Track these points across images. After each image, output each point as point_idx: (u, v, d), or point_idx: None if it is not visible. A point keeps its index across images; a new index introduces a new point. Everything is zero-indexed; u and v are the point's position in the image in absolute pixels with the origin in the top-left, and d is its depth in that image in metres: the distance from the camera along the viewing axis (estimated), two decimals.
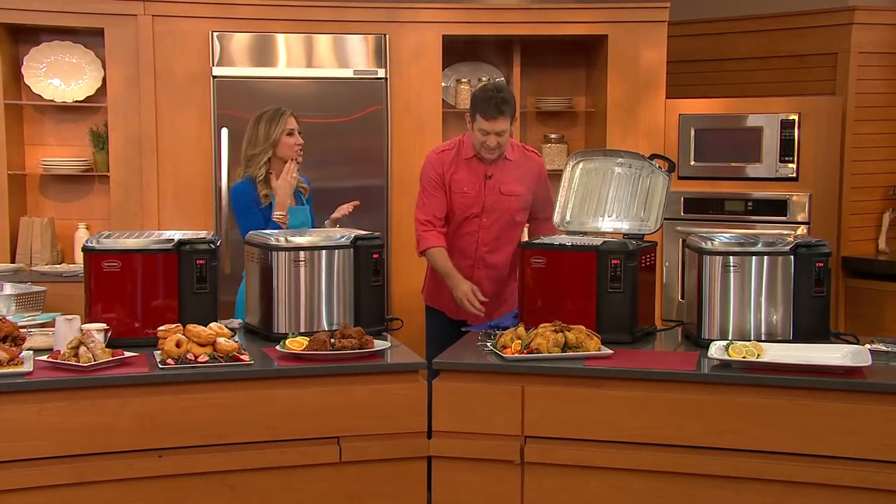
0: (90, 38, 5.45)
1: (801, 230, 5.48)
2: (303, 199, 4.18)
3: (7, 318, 3.46)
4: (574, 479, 3.13)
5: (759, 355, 3.10)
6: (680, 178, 5.65)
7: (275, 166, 4.08)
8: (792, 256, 3.36)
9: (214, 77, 5.28)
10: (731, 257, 3.37)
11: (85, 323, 3.29)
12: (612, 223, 3.83)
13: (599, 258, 3.43)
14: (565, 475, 3.14)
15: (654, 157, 3.86)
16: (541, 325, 3.29)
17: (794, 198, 5.55)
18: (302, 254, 3.49)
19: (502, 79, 5.95)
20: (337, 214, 4.19)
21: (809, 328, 3.35)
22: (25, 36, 5.47)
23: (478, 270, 4.14)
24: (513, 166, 4.13)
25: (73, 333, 3.18)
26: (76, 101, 5.48)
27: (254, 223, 3.96)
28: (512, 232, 4.16)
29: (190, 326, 3.16)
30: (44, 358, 3.06)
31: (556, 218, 3.89)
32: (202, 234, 3.56)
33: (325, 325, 3.50)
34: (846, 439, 2.92)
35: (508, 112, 3.96)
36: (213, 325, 3.23)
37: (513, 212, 4.13)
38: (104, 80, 5.44)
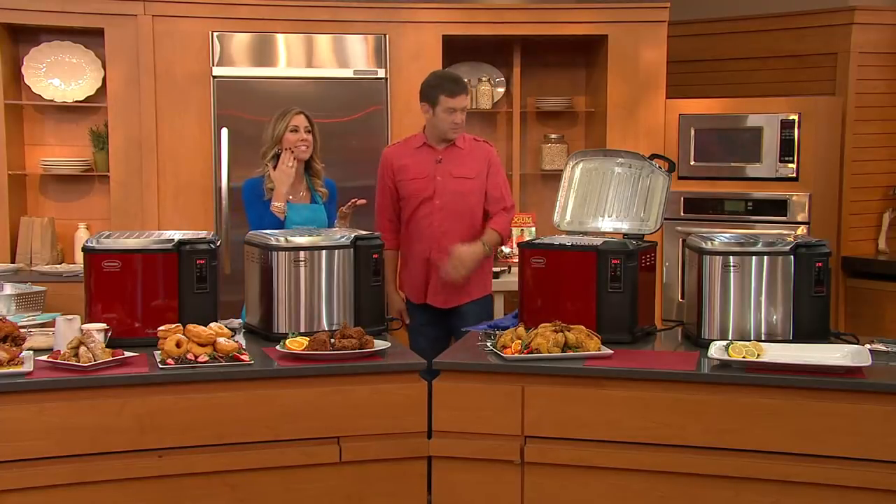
0: (90, 38, 5.44)
1: (801, 230, 5.49)
2: (318, 199, 4.19)
3: (7, 318, 3.46)
4: (574, 479, 3.13)
5: (759, 355, 3.10)
6: (680, 178, 5.65)
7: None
8: (792, 256, 3.36)
9: (214, 77, 5.28)
10: (731, 257, 3.37)
11: (85, 323, 3.29)
12: (612, 223, 3.83)
13: (599, 258, 3.43)
14: (565, 475, 3.14)
15: (654, 157, 3.86)
16: (541, 325, 3.29)
17: (794, 198, 5.55)
18: (302, 254, 3.49)
19: (502, 78, 5.95)
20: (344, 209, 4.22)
21: (809, 328, 3.35)
22: (25, 36, 5.47)
23: (434, 253, 4.25)
24: (463, 153, 4.28)
25: (73, 333, 3.18)
26: (76, 101, 5.48)
27: (257, 215, 4.04)
28: (468, 217, 4.27)
29: (190, 326, 3.16)
30: (44, 358, 3.06)
31: (556, 218, 3.89)
32: (202, 234, 3.56)
33: (325, 325, 3.50)
34: (846, 439, 2.92)
35: (467, 91, 4.32)
36: (213, 325, 3.23)
37: (465, 195, 4.24)
38: (104, 80, 5.44)
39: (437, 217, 4.24)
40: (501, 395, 3.15)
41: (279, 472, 3.10)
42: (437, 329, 4.32)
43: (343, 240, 3.56)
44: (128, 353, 3.11)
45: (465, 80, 5.77)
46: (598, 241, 3.54)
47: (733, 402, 3.01)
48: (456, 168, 4.24)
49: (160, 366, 3.04)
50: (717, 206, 5.69)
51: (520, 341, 3.24)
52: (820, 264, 3.34)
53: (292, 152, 4.07)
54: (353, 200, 4.08)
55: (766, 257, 3.36)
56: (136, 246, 3.40)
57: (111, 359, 3.03)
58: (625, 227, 3.80)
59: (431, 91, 4.20)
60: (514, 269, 5.07)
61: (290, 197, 4.12)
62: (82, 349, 3.02)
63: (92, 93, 5.49)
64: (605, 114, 5.64)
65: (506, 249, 5.44)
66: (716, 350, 3.17)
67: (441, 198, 4.23)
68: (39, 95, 5.47)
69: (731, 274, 3.37)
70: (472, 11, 5.60)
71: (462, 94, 4.20)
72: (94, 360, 2.99)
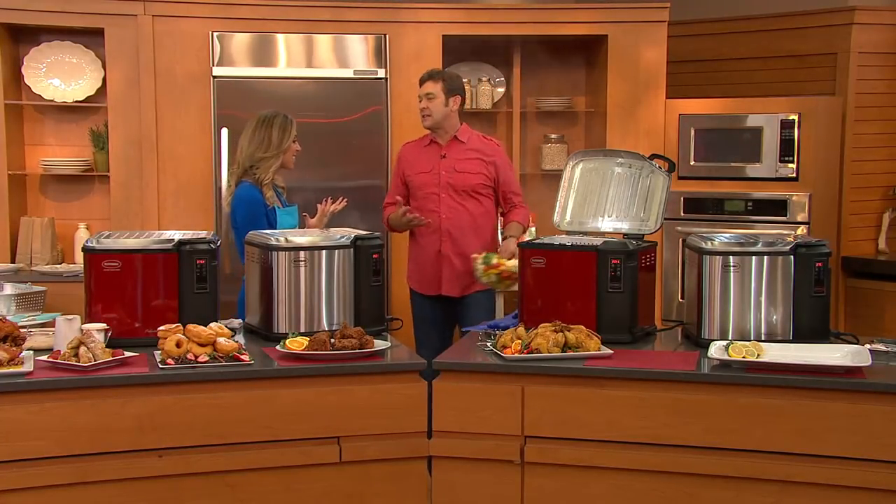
0: (90, 38, 5.45)
1: (801, 230, 5.49)
2: (285, 201, 4.23)
3: (7, 318, 3.46)
4: (574, 479, 3.13)
5: (759, 355, 3.10)
6: (680, 178, 5.65)
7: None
8: (792, 256, 3.36)
9: (214, 77, 5.28)
10: (731, 257, 3.37)
11: (85, 323, 3.29)
12: (612, 223, 3.83)
13: (599, 258, 3.43)
14: (565, 475, 3.14)
15: (654, 157, 3.86)
16: (541, 325, 3.29)
17: (794, 198, 5.55)
18: (302, 254, 3.49)
19: (502, 78, 5.95)
20: (330, 209, 4.33)
21: (809, 328, 3.35)
22: (25, 36, 5.47)
23: (444, 245, 4.51)
24: (466, 147, 4.54)
25: (73, 333, 3.18)
26: (76, 101, 5.48)
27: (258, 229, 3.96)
28: (474, 209, 4.52)
29: (190, 326, 3.16)
30: (44, 358, 3.06)
31: (556, 218, 3.89)
32: (202, 234, 3.56)
33: (325, 325, 3.50)
34: (846, 439, 2.92)
35: (436, 78, 4.50)
36: (213, 325, 3.22)
37: (470, 188, 4.50)
38: (104, 80, 5.45)
39: (444, 209, 4.49)
40: (501, 395, 3.15)
41: (279, 472, 3.10)
42: (445, 320, 4.59)
43: (343, 240, 3.56)
44: (128, 353, 3.11)
45: (465, 80, 5.83)
46: (598, 241, 3.54)
47: (733, 402, 3.01)
48: (459, 162, 4.51)
49: (160, 366, 3.04)
50: (717, 206, 5.69)
51: (520, 341, 3.24)
52: (820, 264, 3.34)
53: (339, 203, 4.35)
54: (340, 199, 4.36)
55: (766, 257, 3.36)
56: (136, 246, 3.40)
57: (111, 359, 3.03)
58: (625, 227, 3.80)
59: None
60: None
61: (278, 203, 4.16)
62: (82, 349, 3.02)
63: (92, 93, 5.49)
64: (605, 114, 5.64)
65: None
66: (716, 350, 3.17)
67: (446, 191, 4.50)
68: (39, 95, 5.47)
69: (731, 274, 3.37)
70: (472, 11, 5.60)
71: (425, 81, 4.49)
72: (94, 360, 2.99)
